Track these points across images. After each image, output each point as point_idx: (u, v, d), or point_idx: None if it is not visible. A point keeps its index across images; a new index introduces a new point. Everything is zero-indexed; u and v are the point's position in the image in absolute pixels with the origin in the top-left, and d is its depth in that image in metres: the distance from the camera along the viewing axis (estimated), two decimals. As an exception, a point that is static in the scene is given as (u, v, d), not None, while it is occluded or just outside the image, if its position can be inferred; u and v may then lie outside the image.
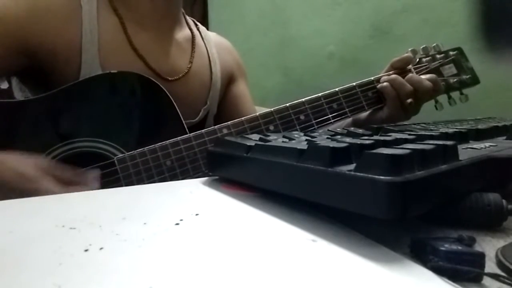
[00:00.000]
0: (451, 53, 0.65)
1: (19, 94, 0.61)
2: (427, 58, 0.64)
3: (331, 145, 0.21)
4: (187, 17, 0.71)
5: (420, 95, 0.57)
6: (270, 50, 1.51)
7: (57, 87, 0.51)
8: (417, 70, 0.63)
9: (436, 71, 0.63)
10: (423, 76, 0.59)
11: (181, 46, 0.65)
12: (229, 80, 0.73)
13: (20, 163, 0.43)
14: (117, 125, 0.53)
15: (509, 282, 0.16)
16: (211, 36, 0.74)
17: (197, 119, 0.64)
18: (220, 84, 0.70)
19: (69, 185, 0.44)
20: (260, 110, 0.57)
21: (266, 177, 0.26)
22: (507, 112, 0.66)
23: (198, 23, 0.74)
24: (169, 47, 0.63)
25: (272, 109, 0.55)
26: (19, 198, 0.39)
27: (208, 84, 0.68)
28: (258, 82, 1.37)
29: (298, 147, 0.23)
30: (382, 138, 0.25)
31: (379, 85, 0.58)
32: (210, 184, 0.32)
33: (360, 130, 0.34)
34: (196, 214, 0.23)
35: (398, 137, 0.26)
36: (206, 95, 0.67)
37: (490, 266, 0.18)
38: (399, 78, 0.57)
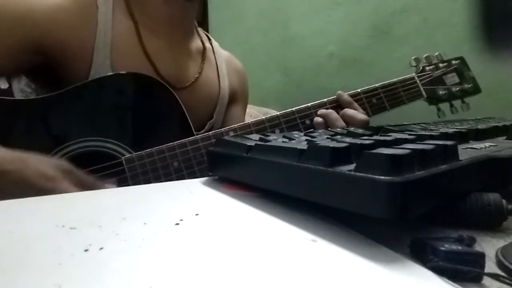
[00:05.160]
0: (453, 62, 0.66)
1: (19, 94, 0.61)
2: (430, 67, 0.65)
3: (331, 145, 0.21)
4: (201, 31, 0.72)
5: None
6: (270, 50, 1.51)
7: (67, 86, 0.52)
8: (420, 78, 0.64)
9: (439, 79, 0.64)
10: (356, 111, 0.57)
11: (192, 56, 0.65)
12: (231, 99, 0.73)
13: (42, 162, 0.43)
14: (125, 125, 0.53)
15: (509, 282, 0.16)
16: (224, 53, 0.74)
17: (202, 131, 0.64)
18: (226, 100, 0.71)
19: (85, 188, 0.44)
20: (261, 110, 0.57)
21: (266, 177, 0.26)
22: (507, 112, 0.66)
23: (212, 38, 0.74)
24: (180, 56, 0.63)
25: (278, 113, 0.55)
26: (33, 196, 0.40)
27: (215, 97, 0.68)
28: (258, 82, 1.37)
29: (298, 147, 0.23)
30: (382, 138, 0.25)
31: (314, 119, 0.57)
32: (210, 184, 0.32)
33: (360, 130, 0.34)
34: (196, 214, 0.23)
35: (398, 137, 0.26)
36: (212, 108, 0.67)
37: (490, 266, 0.17)
38: (334, 113, 0.56)
